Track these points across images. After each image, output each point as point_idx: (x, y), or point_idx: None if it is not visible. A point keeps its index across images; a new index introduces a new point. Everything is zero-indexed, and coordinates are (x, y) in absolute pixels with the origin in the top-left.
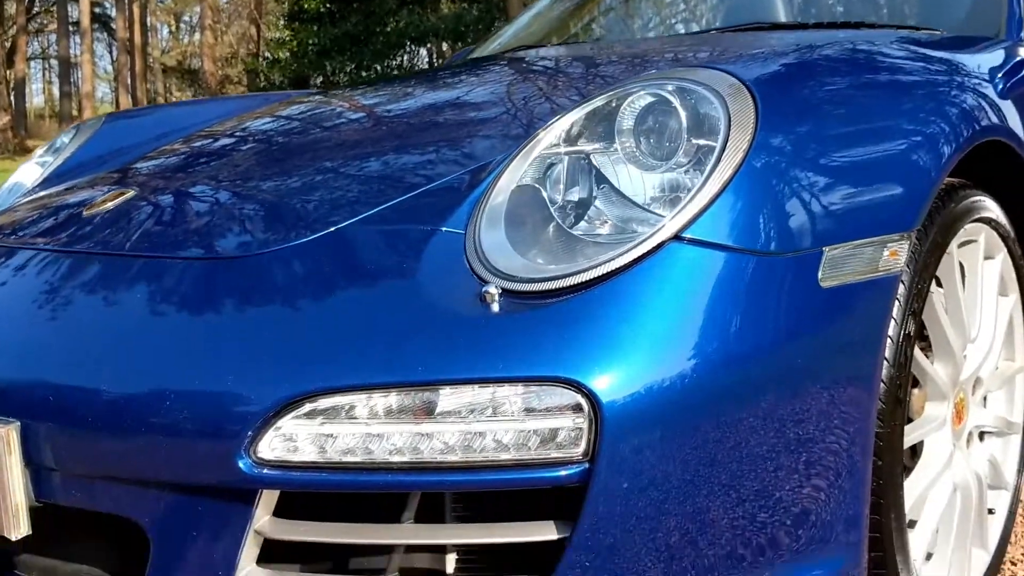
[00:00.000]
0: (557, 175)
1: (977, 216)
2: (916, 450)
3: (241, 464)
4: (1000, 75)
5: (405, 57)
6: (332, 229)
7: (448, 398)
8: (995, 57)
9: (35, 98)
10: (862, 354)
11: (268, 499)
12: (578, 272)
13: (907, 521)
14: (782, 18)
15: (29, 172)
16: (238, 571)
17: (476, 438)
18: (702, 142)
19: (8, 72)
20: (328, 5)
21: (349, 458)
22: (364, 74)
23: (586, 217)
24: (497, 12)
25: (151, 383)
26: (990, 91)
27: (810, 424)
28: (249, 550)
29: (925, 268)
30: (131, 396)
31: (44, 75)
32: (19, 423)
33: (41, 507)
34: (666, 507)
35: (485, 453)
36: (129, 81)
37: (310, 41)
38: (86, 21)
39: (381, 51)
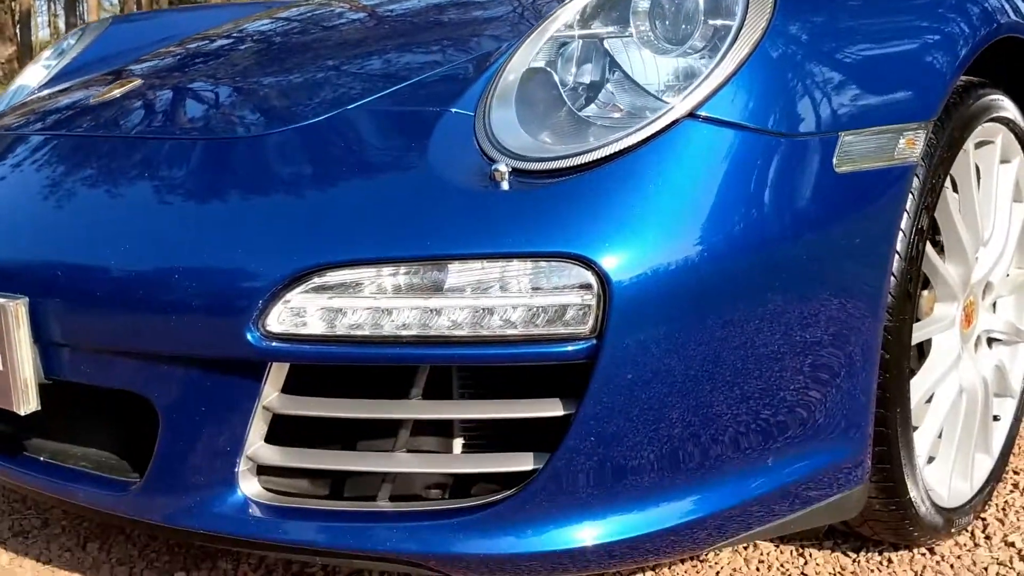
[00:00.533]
0: (569, 57)
1: (995, 115)
2: (923, 351)
3: (250, 336)
4: None
5: None
6: (339, 111)
7: (457, 274)
8: None
9: (40, 31)
10: (875, 244)
11: (277, 375)
12: (589, 151)
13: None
14: None
15: (34, 74)
16: (246, 447)
17: (485, 314)
18: (719, 23)
19: (14, 4)
20: None
21: (358, 332)
22: None
23: (597, 101)
24: None
25: (161, 258)
26: None
27: (821, 315)
28: (257, 426)
29: (941, 163)
30: (141, 271)
31: (50, 7)
32: (27, 299)
33: (50, 385)
34: (670, 396)
35: (493, 329)
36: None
37: None
38: None
39: None
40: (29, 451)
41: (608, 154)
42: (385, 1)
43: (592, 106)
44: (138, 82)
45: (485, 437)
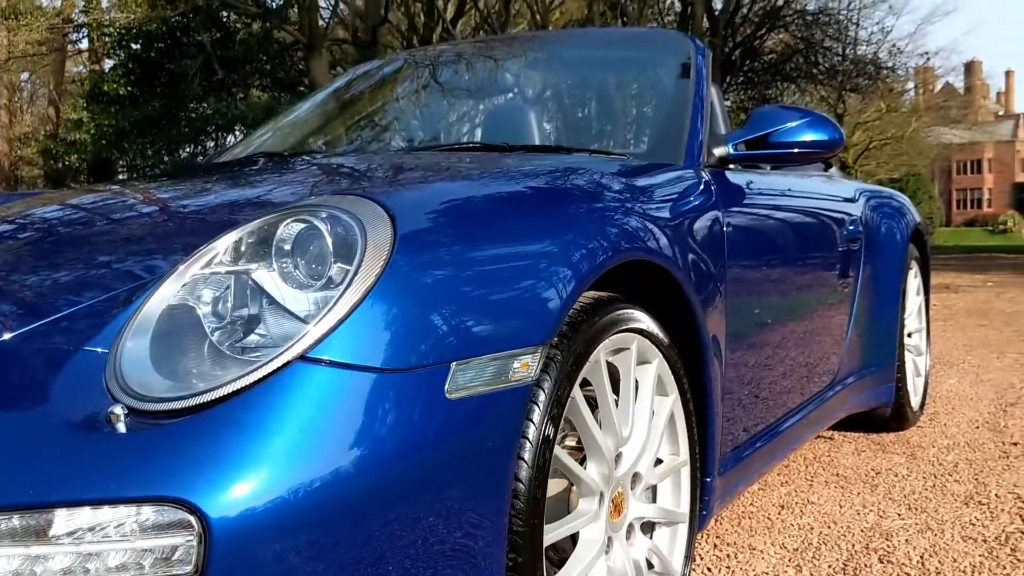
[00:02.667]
0: (214, 293)
1: (626, 327)
2: (575, 539)
3: None
4: (659, 198)
5: (211, 144)
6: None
7: (64, 520)
8: (657, 181)
9: None
10: (494, 458)
11: None
12: (205, 391)
13: None
14: (497, 138)
15: None
16: None
17: (93, 559)
18: (341, 266)
19: None
20: (129, 88)
21: None
22: (167, 158)
23: (241, 333)
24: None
25: None
26: (645, 213)
27: (440, 525)
28: None
29: (566, 376)
30: None
31: None
32: None
33: None
34: None
35: (102, 574)
36: None
37: (108, 123)
38: None
39: (186, 135)
40: None
41: (221, 396)
42: (91, 202)
43: (248, 338)
44: None
45: None
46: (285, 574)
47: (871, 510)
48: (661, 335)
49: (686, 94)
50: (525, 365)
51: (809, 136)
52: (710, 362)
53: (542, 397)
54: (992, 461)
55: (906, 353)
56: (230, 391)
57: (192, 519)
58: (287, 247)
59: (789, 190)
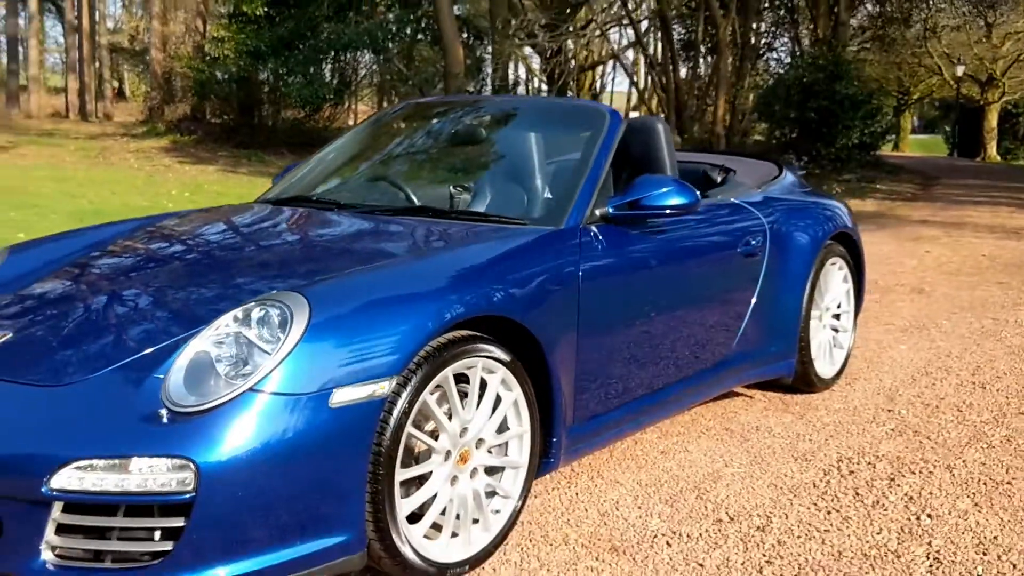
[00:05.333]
0: (222, 346)
1: (472, 355)
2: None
3: None
4: (519, 260)
5: (332, 66)
6: (93, 374)
7: (137, 462)
8: (522, 243)
9: None
10: (362, 437)
11: None
12: (204, 404)
13: (421, 515)
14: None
15: None
16: None
17: (150, 481)
18: (279, 334)
19: None
20: (266, 8)
21: None
22: (291, 79)
23: (244, 369)
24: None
25: None
26: (500, 276)
27: (329, 472)
28: None
29: (416, 390)
30: None
31: None
32: None
33: None
34: (241, 506)
35: (155, 488)
36: (78, 65)
37: (247, 42)
38: (34, 5)
39: (311, 58)
40: None
41: (213, 406)
42: (165, 244)
43: (243, 369)
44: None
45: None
46: (236, 497)
47: (723, 459)
48: (504, 356)
49: (586, 165)
50: (383, 387)
51: (674, 200)
52: (555, 371)
53: (399, 403)
54: (855, 425)
55: (827, 331)
56: (217, 404)
57: (192, 465)
58: (256, 320)
59: (665, 232)
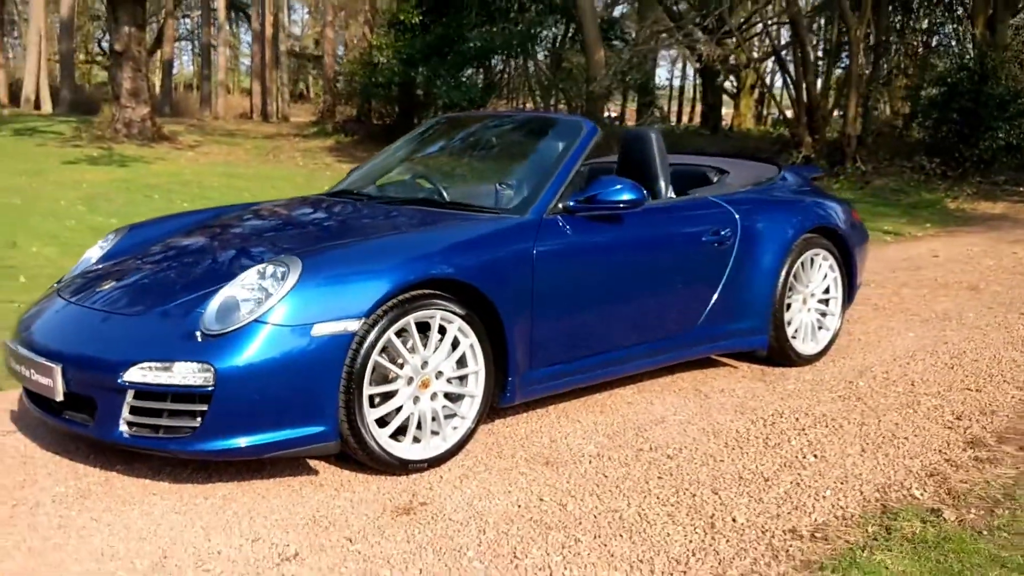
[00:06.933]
0: (244, 291)
1: (430, 307)
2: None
3: None
4: (482, 240)
5: (478, 69)
6: (164, 307)
7: (179, 365)
8: (490, 228)
9: (186, 69)
10: (336, 357)
11: None
12: (227, 328)
13: (388, 422)
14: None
15: (94, 252)
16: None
17: (188, 377)
18: (281, 283)
19: (158, 53)
20: (421, 17)
21: None
22: (440, 83)
23: (253, 307)
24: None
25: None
26: (463, 251)
27: (312, 381)
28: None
29: (383, 330)
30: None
31: (193, 48)
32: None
33: (67, 392)
34: (248, 398)
35: (189, 380)
36: (261, 70)
37: (404, 49)
38: (223, 15)
39: (457, 63)
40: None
41: (232, 330)
42: (236, 219)
43: (252, 309)
44: (110, 277)
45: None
46: (243, 392)
47: (675, 410)
48: (459, 310)
49: (556, 167)
50: (353, 326)
51: (625, 196)
52: (508, 327)
53: (368, 338)
54: (810, 392)
55: (811, 314)
56: (233, 329)
57: (212, 368)
58: (268, 274)
59: (627, 223)
